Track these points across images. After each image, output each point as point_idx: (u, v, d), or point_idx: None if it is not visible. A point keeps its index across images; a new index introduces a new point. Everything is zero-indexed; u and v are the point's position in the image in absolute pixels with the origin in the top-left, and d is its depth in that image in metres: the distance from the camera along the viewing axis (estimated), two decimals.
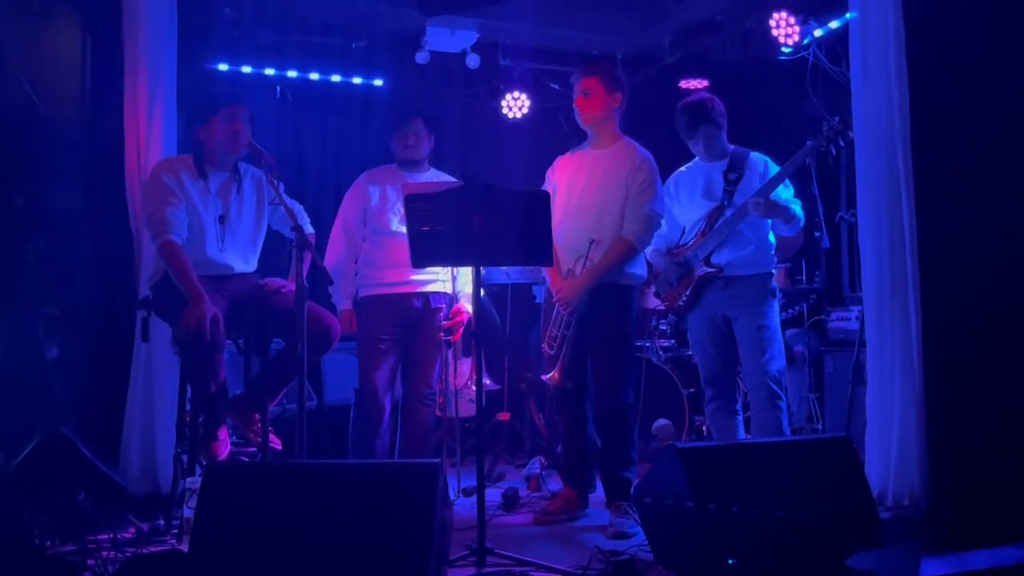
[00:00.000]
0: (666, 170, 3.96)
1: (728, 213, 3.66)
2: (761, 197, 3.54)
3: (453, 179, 3.96)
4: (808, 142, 3.58)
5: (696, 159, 3.87)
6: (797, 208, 3.66)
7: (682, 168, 3.92)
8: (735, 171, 3.71)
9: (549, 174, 3.80)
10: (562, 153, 3.85)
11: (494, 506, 3.82)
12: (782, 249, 3.91)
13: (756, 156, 3.76)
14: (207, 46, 4.97)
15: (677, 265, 3.78)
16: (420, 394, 3.93)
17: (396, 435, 4.02)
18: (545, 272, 3.75)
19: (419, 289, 3.90)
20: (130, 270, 3.84)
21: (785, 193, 3.71)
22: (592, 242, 3.55)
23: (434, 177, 4.00)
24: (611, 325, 3.61)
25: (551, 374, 3.59)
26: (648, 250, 3.84)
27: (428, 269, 3.85)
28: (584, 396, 3.72)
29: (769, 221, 3.71)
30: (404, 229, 3.86)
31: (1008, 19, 3.49)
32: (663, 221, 3.85)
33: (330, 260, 3.89)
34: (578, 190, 3.66)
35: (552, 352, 3.60)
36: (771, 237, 3.76)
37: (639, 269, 3.69)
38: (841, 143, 3.53)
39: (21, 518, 2.89)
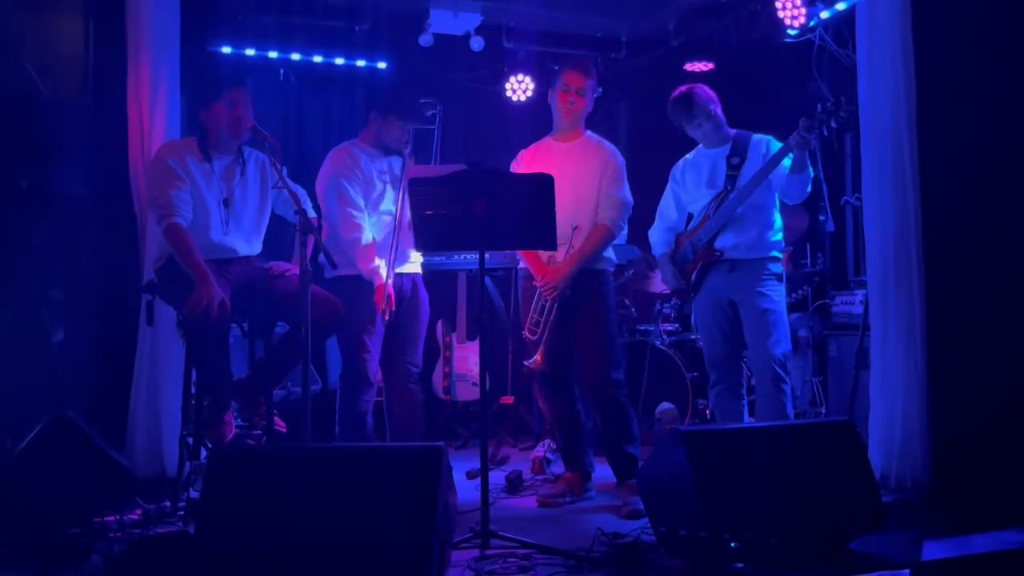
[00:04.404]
0: (670, 153, 3.96)
1: (732, 197, 3.65)
2: (800, 135, 3.44)
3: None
4: (800, 120, 3.51)
5: (699, 146, 3.87)
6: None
7: (687, 155, 3.92)
8: (737, 155, 3.70)
9: (514, 166, 3.82)
10: None
11: (498, 489, 3.83)
12: (787, 232, 3.90)
13: (758, 138, 3.75)
14: (210, 29, 4.96)
15: (679, 263, 3.82)
16: (408, 374, 3.86)
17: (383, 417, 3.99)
18: (523, 259, 3.76)
19: (407, 269, 3.87)
20: (134, 254, 3.85)
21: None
22: (575, 228, 3.62)
23: (397, 163, 3.89)
24: (592, 308, 3.66)
25: (534, 358, 3.62)
26: (653, 242, 3.96)
27: (412, 251, 3.84)
28: (570, 380, 3.76)
29: (775, 206, 3.70)
30: (393, 209, 3.86)
31: (1016, 2, 3.47)
32: (674, 210, 3.89)
33: (356, 231, 3.70)
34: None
35: (534, 338, 3.64)
36: (778, 221, 3.75)
37: (612, 255, 3.81)
38: (833, 123, 3.49)
39: (28, 501, 2.91)
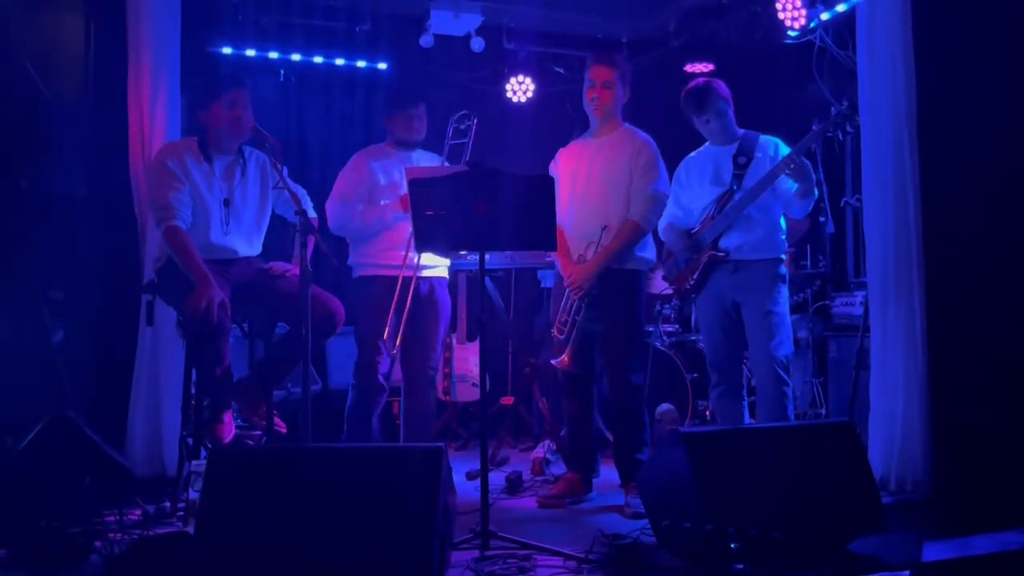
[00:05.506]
0: (672, 153, 3.95)
1: (737, 197, 3.64)
2: (796, 156, 3.46)
3: (441, 158, 3.98)
4: (815, 126, 3.55)
5: (706, 143, 3.85)
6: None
7: (692, 153, 3.90)
8: (744, 155, 3.68)
9: (552, 167, 3.82)
10: (567, 137, 3.88)
11: (498, 490, 3.83)
12: (788, 234, 3.90)
13: (766, 139, 3.72)
14: (211, 29, 4.97)
15: (686, 246, 3.77)
16: (426, 377, 3.93)
17: (395, 419, 4.02)
18: (555, 258, 3.76)
19: (424, 273, 3.88)
20: (134, 254, 3.85)
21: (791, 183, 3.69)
22: (604, 227, 3.58)
23: (424, 157, 3.99)
24: (621, 309, 3.63)
25: (561, 358, 3.61)
26: (660, 226, 3.86)
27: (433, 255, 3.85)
28: (592, 381, 3.75)
29: (781, 208, 3.70)
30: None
31: (1017, 2, 3.47)
32: (673, 205, 3.86)
33: (335, 223, 3.87)
34: (583, 178, 3.67)
35: (562, 337, 3.62)
36: (782, 222, 3.74)
37: (647, 253, 3.73)
38: (849, 128, 3.50)
39: (28, 501, 2.91)
